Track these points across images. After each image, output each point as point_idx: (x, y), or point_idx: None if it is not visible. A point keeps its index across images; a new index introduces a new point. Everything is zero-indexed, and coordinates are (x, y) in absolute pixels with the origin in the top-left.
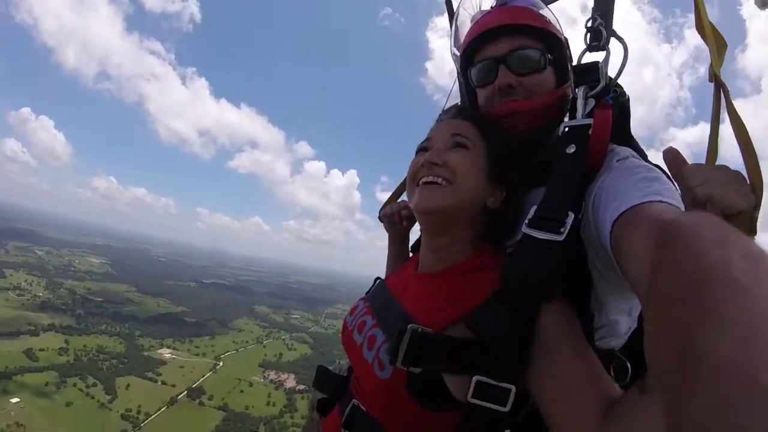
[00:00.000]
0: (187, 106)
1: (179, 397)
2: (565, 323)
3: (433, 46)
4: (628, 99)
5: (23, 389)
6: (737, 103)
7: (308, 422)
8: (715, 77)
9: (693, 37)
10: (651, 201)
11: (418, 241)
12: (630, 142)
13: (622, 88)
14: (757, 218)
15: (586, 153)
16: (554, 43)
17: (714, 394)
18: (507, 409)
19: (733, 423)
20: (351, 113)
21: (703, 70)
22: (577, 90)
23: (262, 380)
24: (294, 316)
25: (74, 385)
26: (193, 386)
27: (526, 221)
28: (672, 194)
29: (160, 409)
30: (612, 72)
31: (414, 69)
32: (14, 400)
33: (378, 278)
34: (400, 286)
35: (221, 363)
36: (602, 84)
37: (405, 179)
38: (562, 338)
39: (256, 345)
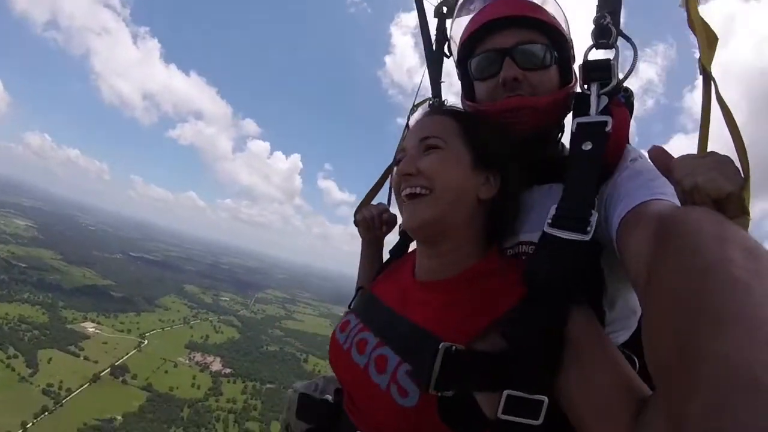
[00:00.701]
0: (134, 67)
1: (102, 374)
2: (591, 325)
3: (395, 41)
4: (634, 99)
5: None
6: (679, 140)
7: None
8: (704, 70)
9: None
10: (654, 199)
11: (399, 246)
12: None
13: (629, 87)
14: (747, 199)
15: (604, 151)
16: (561, 42)
17: (714, 394)
18: (539, 422)
19: (734, 424)
20: (303, 96)
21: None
22: (588, 87)
23: (187, 362)
24: (223, 298)
25: None
26: (117, 363)
27: (548, 221)
28: (674, 192)
29: (82, 386)
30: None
31: (373, 61)
32: None
33: (360, 288)
34: (398, 297)
35: (146, 341)
36: (614, 83)
37: (378, 180)
38: (590, 341)
39: (183, 325)
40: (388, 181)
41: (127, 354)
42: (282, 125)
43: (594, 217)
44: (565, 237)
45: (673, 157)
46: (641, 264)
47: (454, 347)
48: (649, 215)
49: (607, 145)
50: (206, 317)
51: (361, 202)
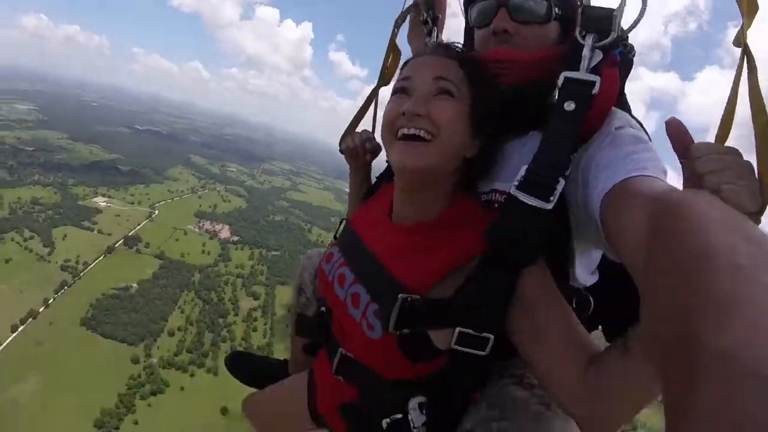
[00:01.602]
0: None
1: (116, 245)
2: (545, 284)
3: None
4: (634, 55)
5: None
6: (711, 72)
7: (292, 346)
8: (742, 43)
9: None
10: (644, 175)
11: (380, 179)
12: (622, 98)
13: (631, 43)
14: (760, 222)
15: (586, 114)
16: None
17: (717, 387)
18: (486, 353)
19: (734, 418)
20: None
21: (694, 26)
22: (583, 37)
23: (197, 230)
24: (230, 169)
25: (12, 239)
26: (130, 234)
27: (516, 182)
28: (662, 168)
29: (97, 258)
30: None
31: None
32: None
33: (343, 219)
34: (373, 236)
35: (157, 212)
36: (613, 36)
37: (364, 103)
38: (543, 299)
39: (191, 195)
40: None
41: (138, 225)
42: None
43: (560, 185)
44: (528, 202)
45: (692, 139)
46: (638, 245)
47: (409, 298)
48: (643, 194)
49: (590, 108)
50: (214, 187)
51: (347, 129)
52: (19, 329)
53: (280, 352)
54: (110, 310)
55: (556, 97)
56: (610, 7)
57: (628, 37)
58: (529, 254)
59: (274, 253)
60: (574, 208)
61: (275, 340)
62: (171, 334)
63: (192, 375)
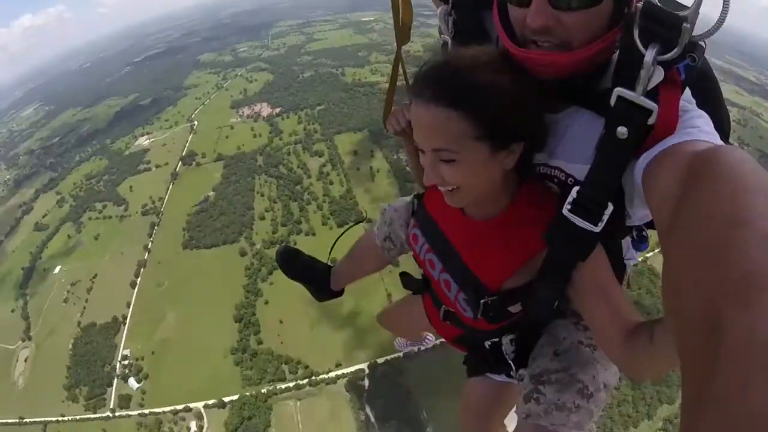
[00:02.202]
0: None
1: (177, 169)
2: (599, 271)
3: None
4: (701, 62)
5: None
6: None
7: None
8: None
9: None
10: (690, 140)
11: None
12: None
13: (700, 44)
14: None
15: (640, 145)
16: None
17: (737, 372)
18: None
19: (757, 407)
20: None
21: None
22: (645, 46)
23: (239, 119)
24: (241, 50)
25: (89, 219)
26: (184, 154)
27: (568, 205)
28: (707, 131)
29: (168, 189)
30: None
31: None
32: None
33: (415, 196)
34: (448, 226)
35: (195, 122)
36: (676, 51)
37: (390, 82)
38: (592, 288)
39: (218, 91)
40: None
41: (186, 141)
42: None
43: (608, 211)
44: (578, 224)
45: None
46: (666, 204)
47: (489, 301)
48: (683, 153)
49: (645, 140)
50: (234, 74)
51: (385, 107)
52: (137, 283)
53: (360, 195)
54: (201, 224)
55: (606, 118)
56: (677, 13)
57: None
58: (583, 256)
59: (319, 108)
60: (629, 185)
61: (352, 185)
62: (261, 218)
63: (295, 243)
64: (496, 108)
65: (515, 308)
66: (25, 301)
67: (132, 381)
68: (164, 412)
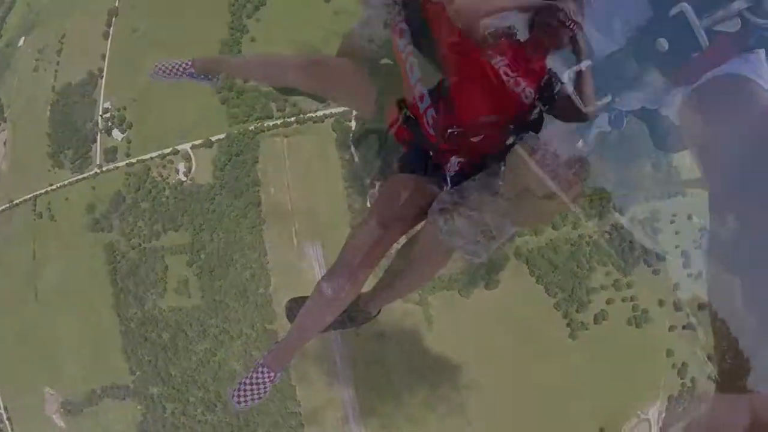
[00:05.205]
0: None
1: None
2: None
3: None
4: None
5: None
6: None
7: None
8: None
9: None
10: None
11: None
12: None
13: None
14: None
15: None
16: None
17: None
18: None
19: None
20: None
21: None
22: None
23: None
24: None
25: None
26: None
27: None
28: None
29: None
30: None
31: None
32: None
33: None
34: (445, 38)
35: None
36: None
37: None
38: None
39: None
40: None
41: None
42: None
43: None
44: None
45: None
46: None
47: (456, 131)
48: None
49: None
50: None
51: None
52: (110, 33)
53: None
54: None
55: None
56: None
57: None
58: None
59: None
60: None
61: None
62: None
63: None
64: None
65: (476, 139)
66: None
67: (116, 132)
68: (152, 158)
